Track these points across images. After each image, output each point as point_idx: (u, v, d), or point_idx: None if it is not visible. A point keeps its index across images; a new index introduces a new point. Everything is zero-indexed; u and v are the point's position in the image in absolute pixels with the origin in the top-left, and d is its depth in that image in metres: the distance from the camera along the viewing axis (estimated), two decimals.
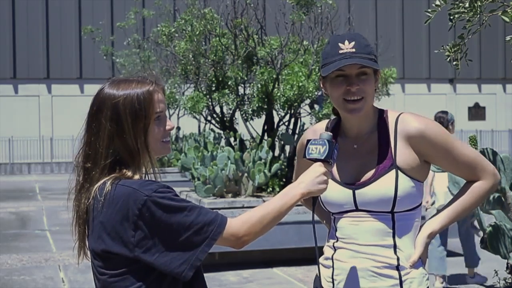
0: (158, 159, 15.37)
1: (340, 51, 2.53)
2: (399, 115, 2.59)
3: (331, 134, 2.44)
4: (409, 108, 34.85)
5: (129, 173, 2.23)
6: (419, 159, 2.55)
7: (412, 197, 2.53)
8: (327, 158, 2.36)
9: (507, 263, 4.50)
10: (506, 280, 5.00)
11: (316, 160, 2.38)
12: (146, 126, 2.24)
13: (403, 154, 2.53)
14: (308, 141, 2.42)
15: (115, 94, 2.24)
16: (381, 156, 2.55)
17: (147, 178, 2.29)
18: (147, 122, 2.24)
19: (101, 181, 2.21)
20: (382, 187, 2.51)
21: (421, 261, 2.58)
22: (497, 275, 5.12)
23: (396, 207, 2.51)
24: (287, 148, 11.65)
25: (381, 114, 2.63)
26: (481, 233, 4.73)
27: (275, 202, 2.28)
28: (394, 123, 2.57)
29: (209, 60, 11.58)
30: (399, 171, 2.51)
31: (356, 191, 2.55)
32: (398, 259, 2.53)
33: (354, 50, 2.52)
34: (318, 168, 2.35)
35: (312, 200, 2.47)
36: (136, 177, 2.24)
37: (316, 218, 2.63)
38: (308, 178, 2.32)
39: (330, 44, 2.59)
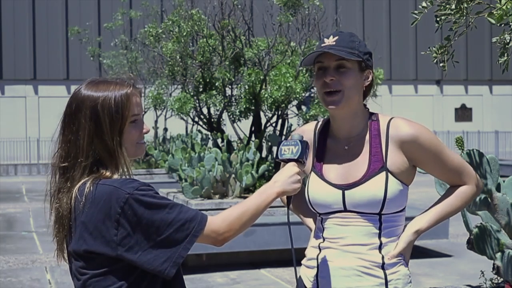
0: (145, 161, 15.28)
1: (322, 45, 2.57)
2: (391, 119, 2.61)
3: (302, 135, 2.47)
4: (396, 109, 34.97)
5: (108, 173, 2.25)
6: (408, 163, 2.58)
7: (400, 200, 2.56)
8: (300, 158, 2.39)
9: (494, 264, 4.50)
10: (493, 281, 5.02)
11: (289, 160, 2.41)
12: (121, 127, 2.26)
13: (394, 157, 2.56)
14: (280, 142, 2.45)
15: (94, 95, 2.26)
16: (372, 158, 2.57)
17: (125, 178, 2.30)
18: (123, 124, 2.26)
19: (81, 182, 2.22)
20: (372, 188, 2.52)
21: (405, 261, 2.60)
22: (483, 275, 5.14)
23: (385, 209, 2.54)
24: (275, 149, 11.65)
25: (372, 117, 2.65)
26: None
27: (252, 200, 2.31)
28: (386, 127, 2.59)
29: (197, 61, 11.57)
30: (389, 173, 2.54)
31: (346, 192, 2.56)
32: (383, 257, 2.55)
33: (334, 43, 2.55)
34: (292, 168, 2.38)
35: (287, 200, 2.50)
36: (115, 177, 2.26)
37: (294, 220, 2.65)
38: (283, 178, 2.36)
39: (320, 40, 2.64)
